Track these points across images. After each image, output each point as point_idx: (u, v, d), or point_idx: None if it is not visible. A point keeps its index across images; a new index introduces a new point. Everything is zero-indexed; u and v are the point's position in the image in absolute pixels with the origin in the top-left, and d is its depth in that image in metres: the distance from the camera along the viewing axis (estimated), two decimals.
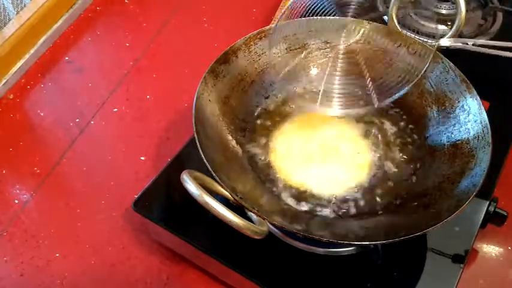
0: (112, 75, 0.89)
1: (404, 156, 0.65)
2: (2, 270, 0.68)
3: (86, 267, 0.68)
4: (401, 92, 0.64)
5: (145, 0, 1.01)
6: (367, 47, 0.69)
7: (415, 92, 0.67)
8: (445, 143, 0.64)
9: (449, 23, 0.84)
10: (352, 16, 0.68)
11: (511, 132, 0.73)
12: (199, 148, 0.56)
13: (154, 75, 0.90)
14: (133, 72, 0.90)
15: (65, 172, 0.78)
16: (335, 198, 0.62)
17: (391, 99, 0.65)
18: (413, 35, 0.73)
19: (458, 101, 0.64)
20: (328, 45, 0.69)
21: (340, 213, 0.61)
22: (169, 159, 0.69)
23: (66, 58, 0.92)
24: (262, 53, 0.69)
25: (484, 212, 0.64)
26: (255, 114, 0.68)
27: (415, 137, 0.67)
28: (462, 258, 0.62)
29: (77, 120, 0.83)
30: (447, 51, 0.68)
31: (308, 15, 0.67)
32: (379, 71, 0.67)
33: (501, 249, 0.70)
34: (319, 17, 0.66)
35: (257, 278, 0.60)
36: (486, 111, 0.61)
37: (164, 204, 0.67)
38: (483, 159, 0.58)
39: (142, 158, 0.79)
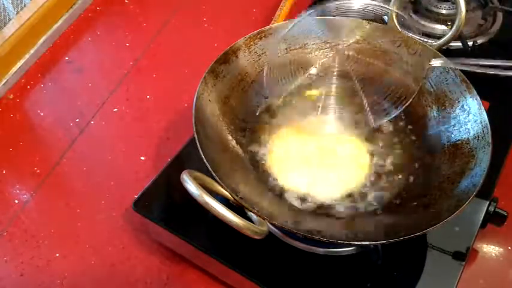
0: (112, 75, 0.89)
1: (404, 157, 0.65)
2: (2, 270, 0.68)
3: (86, 267, 0.68)
4: (397, 112, 0.65)
5: (145, 0, 1.01)
6: (367, 47, 0.68)
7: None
8: (445, 143, 0.64)
9: (449, 23, 0.84)
10: None
11: (511, 132, 0.73)
12: (199, 148, 0.56)
13: (154, 75, 0.90)
14: (133, 72, 0.90)
15: (65, 172, 0.78)
16: (335, 199, 0.62)
17: (387, 119, 0.65)
18: (414, 35, 0.73)
19: (458, 101, 0.64)
20: (328, 45, 0.69)
21: (340, 213, 0.61)
22: (169, 159, 0.69)
23: (66, 58, 0.92)
24: (262, 53, 0.69)
25: (484, 212, 0.64)
26: (255, 114, 0.68)
27: (415, 137, 0.67)
28: (462, 258, 0.61)
29: (77, 120, 0.83)
30: (447, 51, 0.68)
31: None
32: (376, 86, 0.67)
33: (501, 249, 0.70)
34: (319, 17, 0.66)
35: (257, 278, 0.60)
36: (486, 111, 0.61)
37: (164, 204, 0.67)
38: (483, 159, 0.58)
39: (142, 158, 0.79)
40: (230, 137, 0.65)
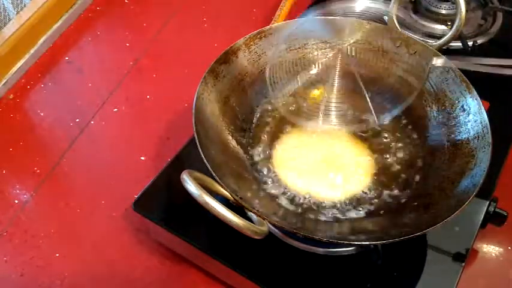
0: (112, 75, 0.89)
1: (404, 157, 0.65)
2: (2, 270, 0.68)
3: (86, 267, 0.68)
4: (399, 111, 0.65)
5: (145, 0, 1.01)
6: (368, 47, 0.68)
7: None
8: (445, 143, 0.64)
9: (449, 23, 0.84)
10: None
11: (511, 132, 0.73)
12: (199, 148, 0.56)
13: (154, 75, 0.90)
14: (134, 72, 0.90)
15: (65, 172, 0.78)
16: (335, 200, 0.61)
17: (389, 117, 0.65)
18: (414, 35, 0.73)
19: (458, 101, 0.64)
20: (328, 45, 0.69)
21: (340, 214, 0.61)
22: (169, 159, 0.69)
23: (66, 58, 0.92)
24: (262, 53, 0.69)
25: (484, 212, 0.64)
26: (255, 114, 0.68)
27: (415, 137, 0.67)
28: (462, 258, 0.61)
29: (77, 120, 0.83)
30: (447, 51, 0.68)
31: None
32: (377, 86, 0.67)
33: (501, 249, 0.70)
34: (319, 17, 0.66)
35: (257, 278, 0.60)
36: (486, 111, 0.61)
37: (164, 204, 0.66)
38: (483, 159, 0.58)
39: (142, 158, 0.79)
40: (230, 137, 0.64)
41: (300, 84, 0.68)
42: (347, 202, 0.61)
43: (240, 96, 0.68)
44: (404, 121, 0.68)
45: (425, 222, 0.54)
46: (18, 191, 0.76)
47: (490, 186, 0.65)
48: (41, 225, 0.72)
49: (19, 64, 0.88)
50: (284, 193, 0.62)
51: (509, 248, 0.71)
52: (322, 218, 0.60)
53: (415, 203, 0.60)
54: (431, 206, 0.58)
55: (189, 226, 0.64)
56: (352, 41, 0.67)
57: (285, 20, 0.83)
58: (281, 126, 0.68)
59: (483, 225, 0.64)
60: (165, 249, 0.69)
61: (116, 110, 0.85)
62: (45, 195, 0.75)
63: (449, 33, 0.69)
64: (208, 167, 0.54)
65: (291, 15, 0.86)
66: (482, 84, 0.64)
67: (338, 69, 0.67)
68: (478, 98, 0.62)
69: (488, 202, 0.64)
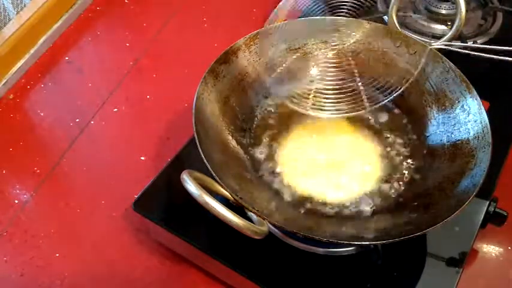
0: (112, 75, 0.89)
1: (404, 157, 0.65)
2: (2, 270, 0.68)
3: (86, 267, 0.68)
4: (393, 96, 0.65)
5: (145, 0, 1.01)
6: (367, 47, 0.68)
7: (415, 92, 0.67)
8: (445, 143, 0.64)
9: (449, 23, 0.84)
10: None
11: (511, 132, 0.73)
12: (199, 148, 0.56)
13: (154, 75, 0.90)
14: (134, 72, 0.90)
15: (65, 172, 0.78)
16: (337, 201, 0.61)
17: (381, 103, 0.65)
18: (414, 35, 0.73)
19: (458, 101, 0.64)
20: (328, 45, 0.69)
21: (340, 214, 0.61)
22: (169, 159, 0.69)
23: (66, 58, 0.92)
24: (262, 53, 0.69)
25: (484, 212, 0.64)
26: (255, 114, 0.68)
27: (415, 137, 0.67)
28: (462, 258, 0.61)
29: (77, 120, 0.83)
30: (447, 51, 0.68)
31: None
32: (373, 73, 0.67)
33: (501, 249, 0.70)
34: (319, 17, 0.66)
35: (257, 278, 0.60)
36: (486, 111, 0.61)
37: (164, 204, 0.67)
38: (483, 159, 0.58)
39: (142, 158, 0.79)
40: (230, 137, 0.64)
41: (300, 84, 0.68)
42: (348, 204, 0.61)
43: (240, 96, 0.68)
44: (404, 121, 0.68)
45: (425, 222, 0.54)
46: (18, 191, 0.76)
47: (490, 186, 0.65)
48: (41, 225, 0.72)
49: (19, 64, 0.88)
50: (284, 192, 0.62)
51: (509, 248, 0.71)
52: (323, 219, 0.60)
53: (415, 203, 0.60)
54: (431, 206, 0.58)
55: (189, 226, 0.64)
56: (352, 41, 0.67)
57: (285, 20, 0.83)
58: (282, 126, 0.68)
59: (483, 225, 0.64)
60: (165, 249, 0.69)
61: (116, 110, 0.85)
62: (45, 195, 0.75)
63: (449, 33, 0.69)
64: (208, 167, 0.54)
65: (291, 15, 0.86)
66: (482, 84, 0.64)
67: (338, 68, 0.67)
68: (478, 98, 0.62)
69: (488, 202, 0.64)
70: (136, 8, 1.00)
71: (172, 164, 0.68)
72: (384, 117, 0.68)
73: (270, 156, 0.65)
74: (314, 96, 0.65)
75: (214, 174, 0.54)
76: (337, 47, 0.67)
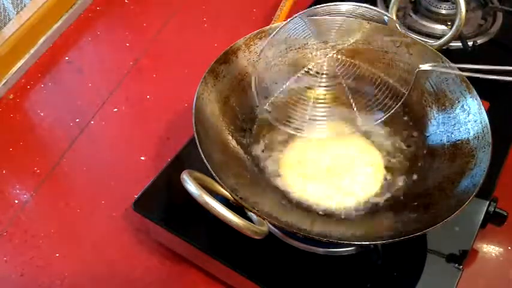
0: (112, 75, 0.89)
1: (404, 157, 0.65)
2: (2, 270, 0.68)
3: (86, 267, 0.68)
4: (387, 115, 0.65)
5: (145, 0, 1.01)
6: (367, 47, 0.68)
7: (415, 92, 0.67)
8: (445, 143, 0.64)
9: (449, 23, 0.84)
10: None
11: (511, 132, 0.73)
12: (199, 148, 0.56)
13: (154, 75, 0.90)
14: (134, 72, 0.90)
15: (65, 172, 0.78)
16: (336, 202, 0.61)
17: (376, 122, 0.65)
18: (414, 35, 0.73)
19: (458, 101, 0.64)
20: (328, 45, 0.69)
21: (341, 215, 0.61)
22: (169, 159, 0.69)
23: (66, 58, 0.92)
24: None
25: (484, 212, 0.64)
26: (255, 114, 0.68)
27: (415, 136, 0.67)
28: (462, 258, 0.61)
29: (77, 120, 0.83)
30: (447, 51, 0.68)
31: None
32: (373, 74, 0.67)
33: (501, 249, 0.70)
34: (318, 17, 0.66)
35: (257, 278, 0.60)
36: (486, 111, 0.61)
37: (164, 204, 0.67)
38: (483, 159, 0.58)
39: (142, 158, 0.79)
40: (230, 137, 0.64)
41: (300, 84, 0.68)
42: (349, 204, 0.61)
43: (240, 96, 0.68)
44: (404, 121, 0.68)
45: (425, 222, 0.54)
46: (18, 191, 0.76)
47: (490, 186, 0.65)
48: (41, 225, 0.72)
49: (19, 64, 0.88)
50: (284, 192, 0.62)
51: (509, 248, 0.71)
52: (323, 219, 0.60)
53: (415, 203, 0.60)
54: (431, 206, 0.58)
55: (189, 226, 0.64)
56: (352, 41, 0.67)
57: (285, 20, 0.83)
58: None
59: (483, 225, 0.64)
60: (165, 249, 0.69)
61: (116, 110, 0.85)
62: (45, 195, 0.75)
63: (449, 33, 0.69)
64: (208, 167, 0.54)
65: (291, 15, 0.86)
66: (482, 84, 0.64)
67: (338, 69, 0.67)
68: (478, 98, 0.62)
69: (488, 202, 0.64)
70: (136, 8, 1.00)
71: (172, 164, 0.68)
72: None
73: (270, 156, 0.65)
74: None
75: (214, 174, 0.54)
76: (337, 47, 0.67)
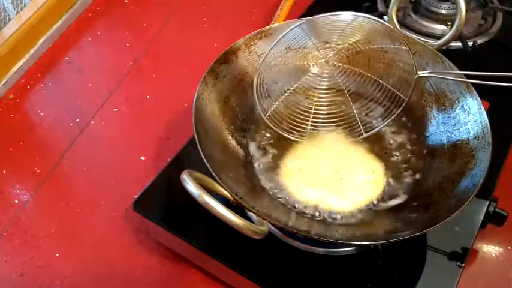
0: (112, 75, 0.89)
1: (404, 157, 0.65)
2: (2, 270, 0.68)
3: (86, 267, 0.68)
4: (386, 122, 0.65)
5: (145, 0, 1.01)
6: (367, 47, 0.68)
7: (415, 92, 0.67)
8: (445, 143, 0.64)
9: (449, 23, 0.84)
10: None
11: (511, 132, 0.73)
12: (199, 148, 0.56)
13: (154, 75, 0.90)
14: (134, 72, 0.90)
15: (65, 172, 0.78)
16: (336, 203, 0.61)
17: (375, 130, 0.66)
18: (414, 35, 0.73)
19: (458, 101, 0.64)
20: (328, 45, 0.69)
21: (340, 215, 0.61)
22: (169, 159, 0.69)
23: (66, 58, 0.92)
24: (262, 53, 0.69)
25: (484, 212, 0.64)
26: (255, 114, 0.68)
27: (415, 136, 0.67)
28: (462, 258, 0.61)
29: (77, 120, 0.83)
30: (447, 51, 0.68)
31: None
32: (373, 74, 0.67)
33: (501, 249, 0.70)
34: (319, 17, 0.66)
35: (257, 278, 0.60)
36: (486, 111, 0.61)
37: (164, 204, 0.66)
38: (483, 159, 0.58)
39: (142, 158, 0.79)
40: (230, 137, 0.65)
41: (300, 84, 0.68)
42: (349, 205, 0.61)
43: (240, 96, 0.68)
44: (404, 121, 0.68)
45: (425, 222, 0.54)
46: (18, 191, 0.76)
47: (490, 186, 0.65)
48: (41, 225, 0.72)
49: (19, 64, 0.88)
50: (284, 192, 0.62)
51: (509, 248, 0.71)
52: (323, 219, 0.60)
53: (415, 203, 0.60)
54: (431, 206, 0.58)
55: (189, 226, 0.64)
56: (352, 41, 0.67)
57: (285, 20, 0.83)
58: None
59: (483, 225, 0.64)
60: (165, 249, 0.69)
61: (116, 110, 0.85)
62: (45, 195, 0.75)
63: (449, 33, 0.69)
64: (208, 167, 0.54)
65: (291, 15, 0.86)
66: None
67: (338, 69, 0.67)
68: (478, 98, 0.62)
69: (488, 202, 0.64)
70: (137, 8, 1.00)
71: (172, 164, 0.68)
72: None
73: (270, 156, 0.65)
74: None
75: (214, 174, 0.54)
76: (337, 47, 0.67)
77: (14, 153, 0.80)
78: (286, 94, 0.68)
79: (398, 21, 0.73)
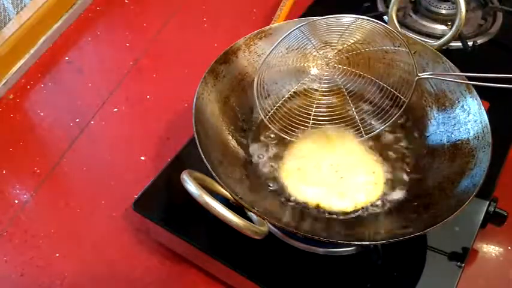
0: (112, 75, 0.89)
1: (404, 157, 0.65)
2: (2, 270, 0.68)
3: (86, 267, 0.68)
4: (387, 124, 0.65)
5: (145, 0, 1.01)
6: (367, 47, 0.68)
7: (415, 92, 0.67)
8: (445, 143, 0.64)
9: (449, 23, 0.84)
10: None
11: (511, 132, 0.73)
12: (199, 148, 0.56)
13: (154, 75, 0.90)
14: (134, 72, 0.90)
15: (65, 172, 0.78)
16: (336, 203, 0.61)
17: (376, 133, 0.66)
18: (414, 35, 0.73)
19: (458, 101, 0.64)
20: (328, 45, 0.69)
21: (340, 215, 0.61)
22: (169, 159, 0.69)
23: (66, 58, 0.92)
24: (262, 53, 0.69)
25: (484, 212, 0.64)
26: (255, 114, 0.68)
27: (415, 136, 0.67)
28: (462, 258, 0.61)
29: (77, 120, 0.83)
30: (447, 51, 0.68)
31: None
32: (373, 74, 0.67)
33: (501, 249, 0.70)
34: (318, 17, 0.66)
35: (257, 278, 0.60)
36: (486, 111, 0.61)
37: (164, 204, 0.66)
38: (483, 159, 0.58)
39: (142, 158, 0.79)
40: (230, 137, 0.65)
41: (300, 84, 0.68)
42: (349, 206, 0.61)
43: (240, 96, 0.68)
44: (404, 121, 0.68)
45: (425, 222, 0.54)
46: (18, 191, 0.76)
47: (490, 186, 0.65)
48: (41, 225, 0.72)
49: (19, 64, 0.88)
50: (284, 192, 0.62)
51: (509, 248, 0.71)
52: (323, 219, 0.60)
53: (415, 203, 0.60)
54: (431, 206, 0.58)
55: (189, 226, 0.64)
56: (352, 41, 0.67)
57: (285, 20, 0.83)
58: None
59: (483, 225, 0.64)
60: (165, 249, 0.69)
61: (116, 110, 0.85)
62: (45, 195, 0.75)
63: (449, 33, 0.69)
64: (208, 167, 0.54)
65: (291, 15, 0.86)
66: None
67: (338, 69, 0.67)
68: (478, 98, 0.62)
69: (488, 202, 0.64)
70: (137, 8, 1.00)
71: (172, 164, 0.68)
72: None
73: (270, 156, 0.65)
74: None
75: (214, 174, 0.54)
76: (337, 47, 0.67)
77: (14, 153, 0.80)
78: (286, 96, 0.68)
79: (398, 21, 0.73)
